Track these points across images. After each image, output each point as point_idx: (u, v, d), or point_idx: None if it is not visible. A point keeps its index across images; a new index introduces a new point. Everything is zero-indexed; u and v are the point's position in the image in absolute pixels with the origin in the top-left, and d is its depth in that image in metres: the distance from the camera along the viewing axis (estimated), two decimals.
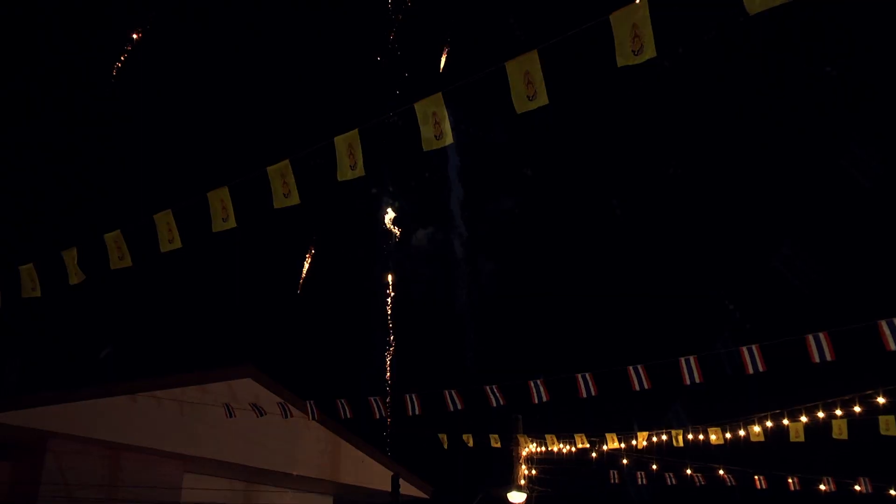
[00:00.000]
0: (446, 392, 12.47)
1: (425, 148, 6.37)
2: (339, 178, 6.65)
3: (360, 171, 6.64)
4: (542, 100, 5.65)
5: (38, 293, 8.60)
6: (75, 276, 8.29)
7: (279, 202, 7.12)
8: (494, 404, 12.20)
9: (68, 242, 8.45)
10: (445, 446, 15.86)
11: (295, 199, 7.10)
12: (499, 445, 16.05)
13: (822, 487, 16.72)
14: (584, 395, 11.41)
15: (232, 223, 7.38)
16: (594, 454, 16.27)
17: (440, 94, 6.28)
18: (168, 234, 7.75)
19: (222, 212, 7.40)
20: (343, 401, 13.71)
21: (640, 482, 16.99)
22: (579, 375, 11.49)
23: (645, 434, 15.43)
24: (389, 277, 26.12)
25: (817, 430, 13.15)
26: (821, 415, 12.90)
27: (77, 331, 17.77)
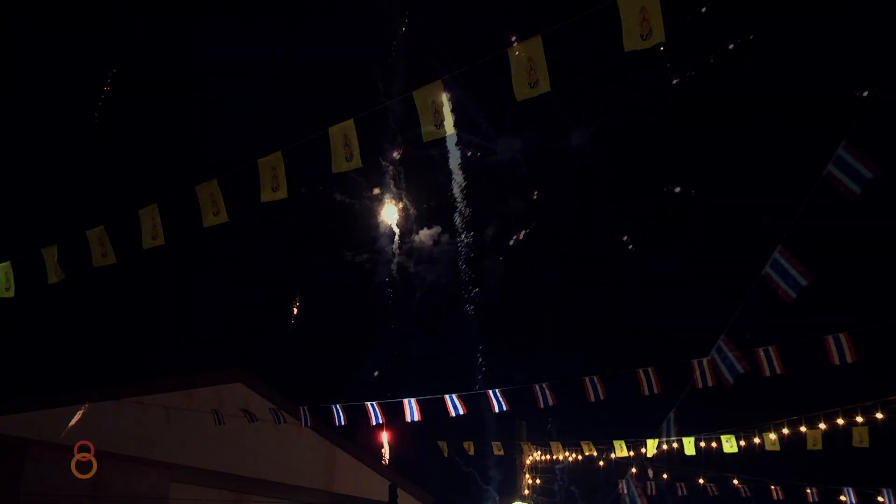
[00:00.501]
0: (447, 397, 12.47)
1: (425, 139, 6.37)
2: (335, 171, 6.65)
3: (356, 162, 6.62)
4: (545, 87, 5.66)
5: (11, 293, 8.57)
6: (55, 275, 8.26)
7: (267, 196, 7.10)
8: (497, 410, 12.20)
9: (52, 240, 8.43)
10: (445, 454, 15.87)
11: (283, 193, 7.08)
12: (502, 453, 16.05)
13: (843, 498, 16.66)
14: (593, 399, 11.41)
15: (224, 218, 7.36)
16: (602, 462, 16.28)
17: (440, 81, 6.28)
18: (152, 230, 7.72)
19: (212, 206, 7.38)
20: (338, 406, 13.70)
21: (649, 492, 16.97)
22: (587, 379, 11.49)
23: (655, 441, 15.40)
24: (388, 278, 26.14)
25: (837, 438, 13.12)
26: (840, 421, 12.87)
27: (59, 333, 17.77)
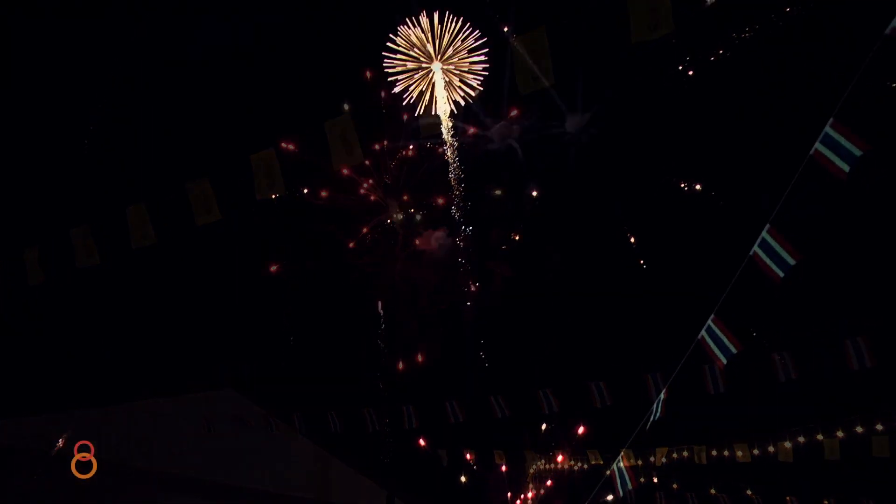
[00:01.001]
0: (447, 403, 12.51)
1: (424, 132, 6.45)
2: (335, 166, 6.74)
3: (357, 157, 6.72)
4: (549, 79, 5.76)
5: None
6: (34, 277, 8.32)
7: (261, 192, 7.17)
8: (499, 415, 12.24)
9: (34, 242, 8.48)
10: (445, 462, 15.91)
11: (280, 190, 7.16)
12: (504, 462, 16.09)
13: None
14: (599, 405, 11.45)
15: (216, 215, 7.42)
16: (608, 472, 16.26)
17: (439, 68, 6.33)
18: (141, 230, 7.77)
19: (204, 204, 7.45)
20: (333, 413, 13.74)
21: (658, 503, 17.00)
22: (592, 384, 11.53)
23: (664, 450, 15.43)
24: (387, 280, 26.16)
25: (855, 447, 13.14)
26: (859, 429, 12.89)
27: (42, 338, 17.78)
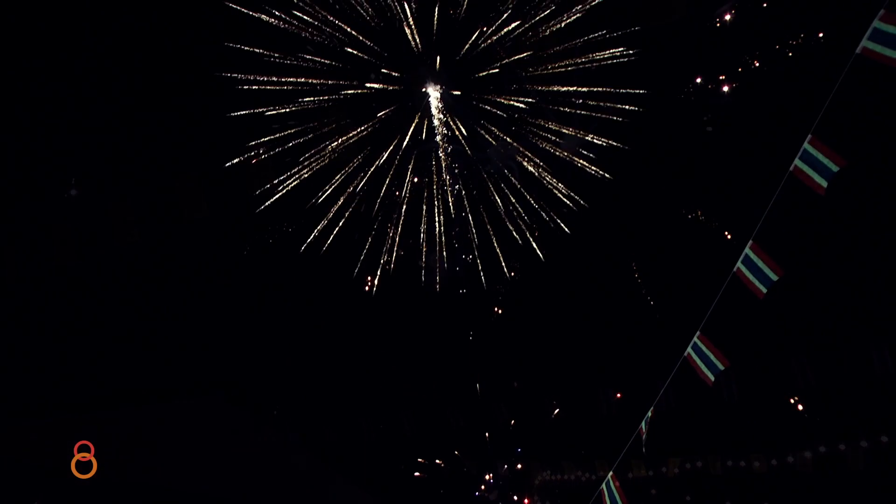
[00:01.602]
0: (447, 410, 12.39)
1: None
2: (331, 153, 6.66)
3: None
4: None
5: None
6: (10, 275, 8.28)
7: (257, 186, 7.15)
8: (501, 424, 12.11)
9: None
10: (444, 472, 15.81)
11: (267, 182, 7.10)
12: (506, 471, 15.99)
13: None
14: (606, 413, 11.36)
15: (205, 213, 7.39)
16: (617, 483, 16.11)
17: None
18: (127, 226, 7.72)
19: (194, 201, 7.40)
20: (327, 423, 13.63)
21: None
22: (600, 391, 11.41)
23: (676, 460, 15.31)
24: (383, 284, 26.15)
25: (880, 458, 12.99)
26: (884, 439, 12.74)
27: (25, 340, 17.72)
